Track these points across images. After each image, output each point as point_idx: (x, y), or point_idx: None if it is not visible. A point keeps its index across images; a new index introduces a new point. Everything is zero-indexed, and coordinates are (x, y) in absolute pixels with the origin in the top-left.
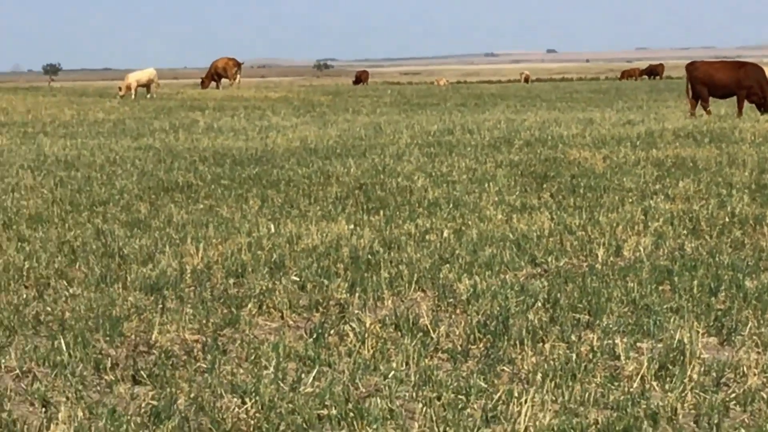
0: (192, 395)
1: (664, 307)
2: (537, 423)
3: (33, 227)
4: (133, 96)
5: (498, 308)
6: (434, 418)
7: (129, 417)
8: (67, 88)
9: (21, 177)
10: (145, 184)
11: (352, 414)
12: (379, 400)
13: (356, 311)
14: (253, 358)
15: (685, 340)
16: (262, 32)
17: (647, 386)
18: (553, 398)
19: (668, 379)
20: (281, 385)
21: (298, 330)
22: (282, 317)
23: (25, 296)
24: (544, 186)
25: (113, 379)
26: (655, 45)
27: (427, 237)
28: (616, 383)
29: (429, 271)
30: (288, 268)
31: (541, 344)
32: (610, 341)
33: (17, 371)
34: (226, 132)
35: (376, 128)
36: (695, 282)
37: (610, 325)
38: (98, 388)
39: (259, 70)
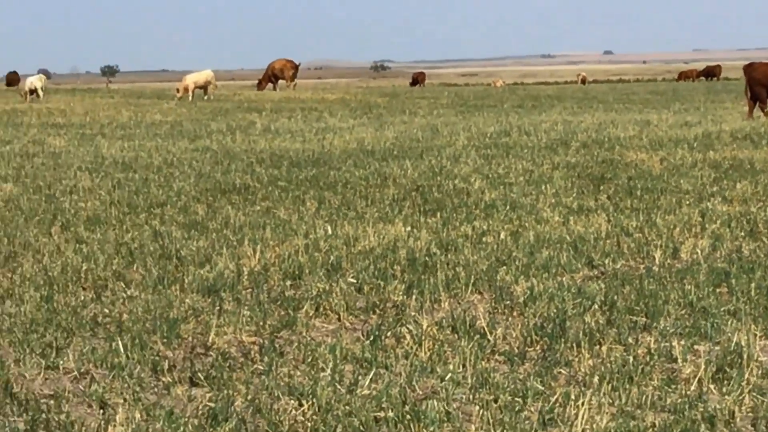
0: (249, 397)
1: (722, 309)
2: (594, 426)
3: (91, 229)
4: (190, 98)
5: (555, 310)
6: (491, 421)
7: (186, 419)
8: (124, 89)
9: (79, 179)
10: (202, 185)
11: (408, 416)
12: (435, 403)
13: (413, 313)
14: (310, 360)
15: (743, 343)
16: (319, 34)
17: (704, 389)
18: (610, 401)
19: (725, 382)
20: (338, 387)
21: (355, 332)
22: (339, 319)
23: (83, 298)
24: (601, 188)
25: (170, 380)
26: (712, 46)
27: (484, 239)
28: (673, 386)
29: (486, 273)
30: (345, 269)
31: (597, 347)
32: (667, 344)
33: (75, 373)
34: (283, 134)
35: (433, 130)
36: (753, 284)
37: (667, 328)
38: (155, 389)
39: (316, 72)
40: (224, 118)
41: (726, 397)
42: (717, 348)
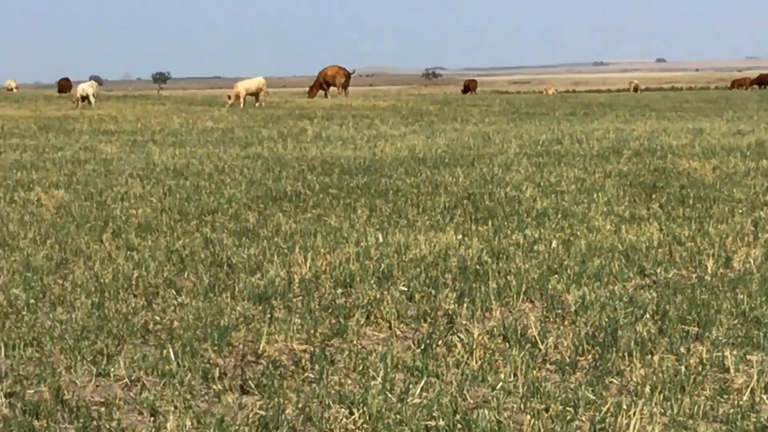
0: (300, 405)
1: None
2: None
3: (142, 236)
4: (241, 104)
5: (606, 320)
6: (542, 430)
7: (237, 427)
8: (176, 96)
9: (130, 186)
10: (253, 193)
11: (459, 425)
12: (486, 412)
13: (464, 322)
14: (361, 368)
15: None
16: (371, 41)
17: (757, 399)
18: (662, 411)
19: None
20: (389, 395)
21: (406, 340)
22: (390, 327)
23: (134, 305)
24: (653, 196)
25: (221, 388)
26: (765, 54)
27: (535, 247)
28: (725, 396)
29: (537, 281)
30: (396, 278)
31: (649, 356)
32: (720, 354)
33: (126, 380)
34: (334, 141)
35: (484, 137)
36: None
37: (720, 338)
38: (206, 397)
39: (367, 79)
40: (275, 125)
41: None
42: None
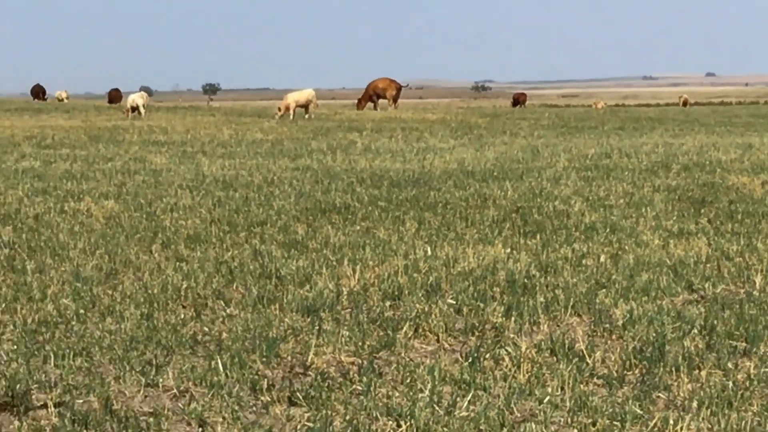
0: (347, 417)
1: None
2: None
3: (191, 247)
4: (291, 116)
5: (654, 334)
6: None
7: None
8: (225, 107)
9: (180, 197)
10: (302, 205)
11: None
12: (534, 425)
13: (512, 335)
14: (408, 381)
15: None
16: (421, 53)
17: None
18: (709, 426)
19: None
20: (436, 408)
21: (453, 353)
22: (438, 340)
23: (182, 316)
24: (702, 211)
25: (269, 400)
26: None
27: (583, 261)
28: None
29: (585, 295)
30: (444, 291)
31: (697, 371)
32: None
33: (174, 390)
34: (383, 153)
35: (533, 151)
36: None
37: None
38: (254, 408)
39: (416, 92)
40: (325, 138)
41: None
42: None
